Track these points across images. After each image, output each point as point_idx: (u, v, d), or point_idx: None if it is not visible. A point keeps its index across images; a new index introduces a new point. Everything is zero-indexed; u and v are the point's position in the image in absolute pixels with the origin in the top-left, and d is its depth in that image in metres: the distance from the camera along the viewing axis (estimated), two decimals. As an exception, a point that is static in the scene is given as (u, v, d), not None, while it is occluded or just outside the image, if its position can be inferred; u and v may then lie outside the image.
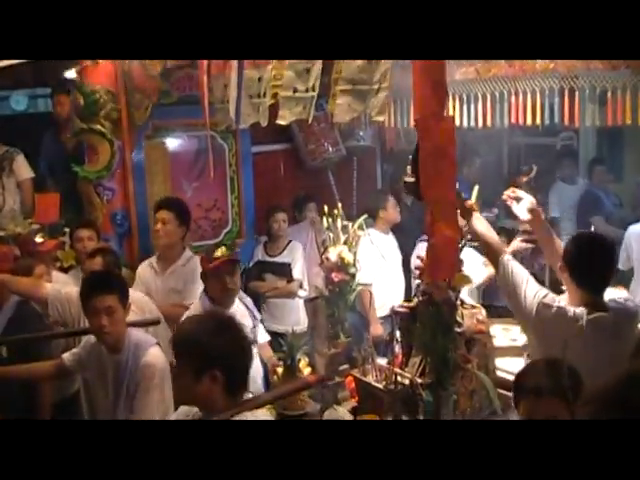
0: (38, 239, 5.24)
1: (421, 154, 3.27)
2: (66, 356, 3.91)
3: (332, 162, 7.29)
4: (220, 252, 4.34)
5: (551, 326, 3.47)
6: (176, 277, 4.99)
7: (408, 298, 4.19)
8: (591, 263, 3.49)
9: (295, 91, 3.63)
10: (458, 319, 3.59)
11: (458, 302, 3.57)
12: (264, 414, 2.75)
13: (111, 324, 3.61)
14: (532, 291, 3.52)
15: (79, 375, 4.12)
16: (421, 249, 5.51)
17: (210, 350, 2.58)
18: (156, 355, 3.67)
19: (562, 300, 3.52)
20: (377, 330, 5.73)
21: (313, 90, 3.59)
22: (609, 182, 7.47)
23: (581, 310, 3.41)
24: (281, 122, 3.73)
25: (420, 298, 3.70)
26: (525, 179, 4.22)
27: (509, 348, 4.44)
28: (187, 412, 2.81)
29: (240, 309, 4.48)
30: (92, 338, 3.80)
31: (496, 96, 4.39)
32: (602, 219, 7.44)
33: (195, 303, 4.52)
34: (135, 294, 4.36)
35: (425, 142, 3.22)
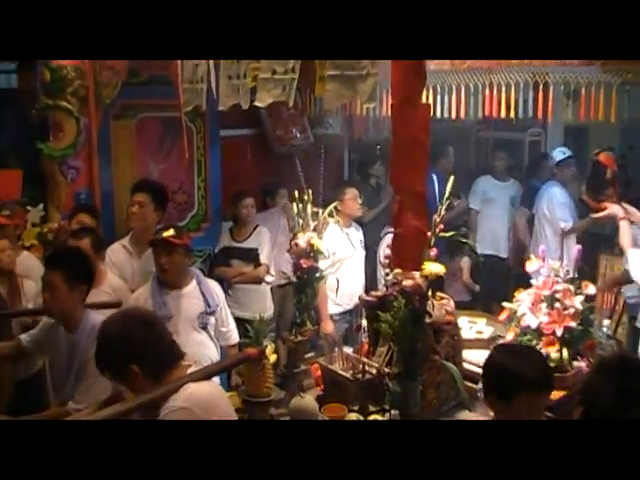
0: (4, 213, 5.11)
1: (394, 141, 3.26)
2: (23, 337, 3.86)
3: (300, 149, 7.25)
4: (168, 233, 4.31)
5: None
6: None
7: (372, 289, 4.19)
8: None
9: (274, 73, 3.57)
10: (428, 309, 3.58)
11: (429, 293, 3.57)
12: (208, 383, 2.77)
13: (52, 300, 3.59)
14: None
15: (37, 356, 4.04)
16: (389, 240, 5.50)
17: (116, 353, 2.68)
18: None
19: None
20: (327, 328, 5.69)
21: (293, 72, 3.54)
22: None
23: None
24: (259, 104, 3.67)
25: (390, 287, 3.69)
26: None
27: (475, 340, 4.44)
28: None
29: (193, 294, 4.47)
30: (49, 318, 3.74)
31: (470, 88, 4.38)
32: (526, 211, 7.62)
33: (145, 285, 4.51)
34: (112, 279, 4.30)
35: (399, 129, 3.21)
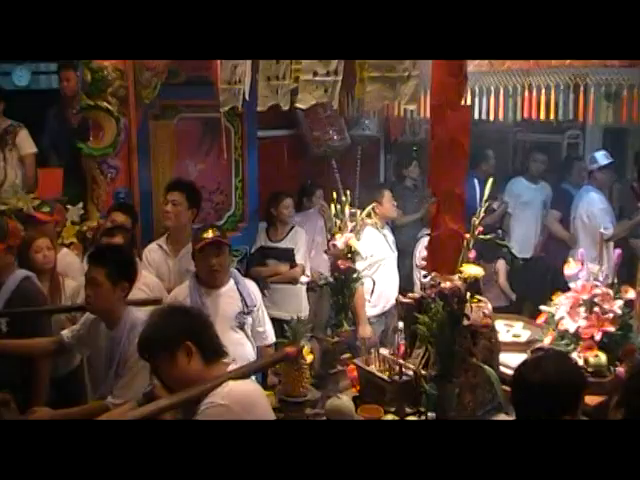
0: (45, 210, 5.18)
1: (433, 143, 3.24)
2: (65, 333, 3.90)
3: (336, 150, 7.23)
4: (210, 233, 4.32)
5: None
6: (189, 258, 4.93)
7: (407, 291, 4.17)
8: None
9: (315, 74, 3.58)
10: (466, 312, 3.56)
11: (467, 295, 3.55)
12: (248, 381, 2.78)
13: (95, 296, 3.62)
14: None
15: (78, 352, 4.08)
16: (425, 243, 5.48)
17: (174, 331, 2.71)
18: None
19: None
20: (365, 332, 5.62)
21: (336, 74, 3.54)
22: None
23: None
24: (301, 106, 3.68)
25: (428, 289, 3.68)
26: None
27: (512, 344, 4.40)
28: None
29: (231, 294, 4.48)
30: (91, 315, 3.78)
31: (509, 90, 4.34)
32: (558, 214, 7.47)
33: (183, 284, 4.53)
34: (147, 276, 4.34)
35: (439, 131, 3.19)
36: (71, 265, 4.98)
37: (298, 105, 3.73)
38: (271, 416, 2.84)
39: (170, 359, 2.69)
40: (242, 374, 2.79)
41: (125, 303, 3.73)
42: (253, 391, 2.79)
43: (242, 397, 2.66)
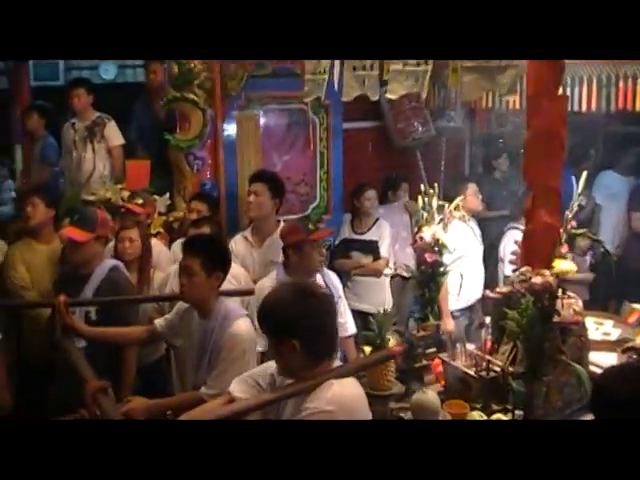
0: (138, 201, 5.28)
1: (529, 134, 3.17)
2: (158, 321, 3.92)
3: (421, 142, 7.15)
4: (311, 225, 4.32)
5: None
6: (274, 249, 4.94)
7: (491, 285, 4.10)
8: None
9: (405, 64, 3.53)
10: (557, 308, 3.48)
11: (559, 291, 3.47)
12: (352, 384, 2.70)
13: (189, 285, 3.60)
14: None
15: (170, 341, 4.13)
16: (513, 236, 5.38)
17: (285, 321, 2.62)
18: (243, 326, 3.64)
19: None
20: (448, 325, 5.52)
21: (426, 64, 3.49)
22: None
23: None
24: (391, 96, 3.65)
25: (517, 284, 3.61)
26: None
27: (602, 342, 4.29)
28: (265, 369, 2.89)
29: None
30: (184, 304, 3.81)
31: (602, 80, 4.22)
32: None
33: (270, 275, 4.52)
34: (234, 267, 4.38)
35: (535, 121, 3.12)
36: (160, 255, 5.05)
37: (388, 95, 3.69)
38: (369, 418, 2.77)
39: (275, 345, 2.66)
40: (346, 372, 2.73)
41: (218, 293, 3.74)
42: (357, 395, 2.69)
43: (347, 402, 2.58)
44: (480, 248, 6.18)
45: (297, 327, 2.60)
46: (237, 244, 5.16)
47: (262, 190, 5.12)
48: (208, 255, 3.62)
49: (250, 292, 4.25)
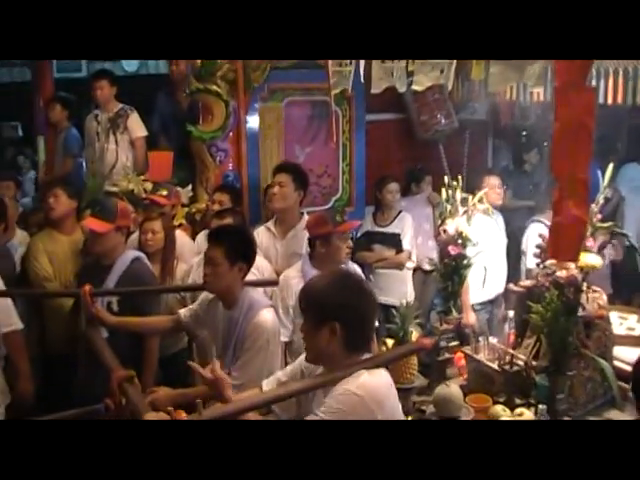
0: (163, 193, 5.28)
1: (556, 126, 3.13)
2: (183, 311, 3.92)
3: (444, 134, 7.12)
4: (338, 217, 4.31)
5: None
6: (298, 241, 4.94)
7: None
8: None
9: (431, 56, 3.51)
10: (582, 302, 3.46)
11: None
12: (383, 374, 2.68)
13: (213, 275, 3.59)
14: None
15: (194, 331, 4.13)
16: (536, 229, 5.34)
17: (331, 303, 2.61)
18: (267, 317, 3.63)
19: None
20: (469, 318, 5.45)
21: (451, 55, 3.46)
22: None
23: None
24: (417, 88, 3.64)
25: (542, 278, 3.58)
26: None
27: (626, 337, 4.25)
28: (298, 366, 2.91)
29: None
30: (208, 294, 3.81)
31: (629, 72, 4.17)
32: None
33: (294, 266, 4.50)
34: (258, 259, 4.38)
35: (563, 113, 3.08)
36: (183, 246, 5.06)
37: (414, 87, 3.67)
38: (398, 411, 2.75)
39: (314, 327, 2.63)
40: (376, 363, 2.71)
41: (242, 284, 3.74)
42: (386, 385, 2.69)
43: (376, 390, 2.57)
44: (504, 241, 6.13)
45: (343, 312, 2.59)
46: (260, 235, 5.15)
47: (287, 181, 5.10)
48: (231, 245, 3.61)
49: (274, 283, 4.27)
